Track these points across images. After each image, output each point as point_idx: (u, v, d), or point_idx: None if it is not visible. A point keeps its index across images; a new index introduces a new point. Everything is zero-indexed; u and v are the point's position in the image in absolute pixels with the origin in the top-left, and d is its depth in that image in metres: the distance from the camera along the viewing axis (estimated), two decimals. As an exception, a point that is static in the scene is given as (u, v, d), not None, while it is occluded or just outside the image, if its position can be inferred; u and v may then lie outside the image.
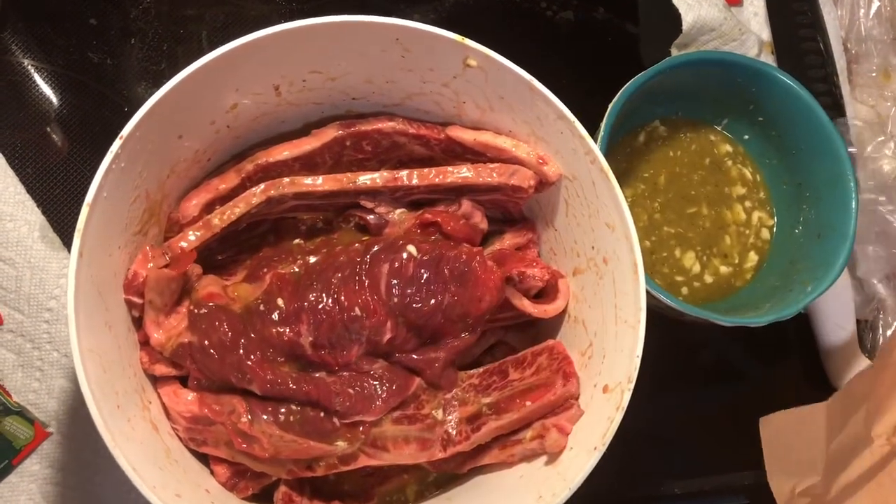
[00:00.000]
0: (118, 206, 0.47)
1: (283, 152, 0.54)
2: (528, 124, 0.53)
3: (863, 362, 0.67)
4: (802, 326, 0.69)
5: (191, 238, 0.52)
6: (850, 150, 0.68)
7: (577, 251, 0.55)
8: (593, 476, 0.47)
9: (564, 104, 0.50)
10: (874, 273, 0.68)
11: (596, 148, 0.50)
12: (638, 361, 0.48)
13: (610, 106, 0.58)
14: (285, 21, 0.46)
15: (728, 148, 0.68)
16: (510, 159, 0.54)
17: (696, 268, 0.65)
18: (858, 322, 0.69)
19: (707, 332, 0.61)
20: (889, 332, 0.69)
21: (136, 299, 0.49)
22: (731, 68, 0.62)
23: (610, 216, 0.51)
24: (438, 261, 0.53)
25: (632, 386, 0.48)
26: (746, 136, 0.68)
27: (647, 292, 0.51)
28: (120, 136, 0.45)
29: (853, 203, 0.59)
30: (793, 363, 0.70)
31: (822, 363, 0.69)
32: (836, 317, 0.68)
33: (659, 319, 0.57)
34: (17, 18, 0.62)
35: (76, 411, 0.57)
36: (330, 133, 0.54)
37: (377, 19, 0.49)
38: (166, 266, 0.50)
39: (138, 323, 0.51)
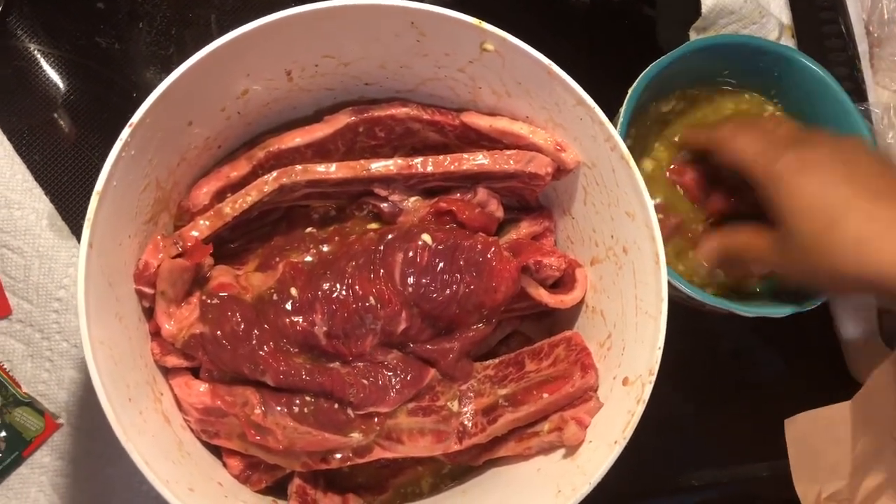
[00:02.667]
0: (128, 194, 0.46)
1: (295, 139, 0.53)
2: (545, 110, 0.52)
3: (883, 353, 0.66)
4: (824, 317, 0.68)
5: (202, 227, 0.51)
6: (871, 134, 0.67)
7: (595, 240, 0.54)
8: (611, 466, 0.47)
9: (582, 88, 0.49)
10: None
11: (616, 134, 0.49)
12: (659, 354, 0.47)
13: (629, 92, 0.57)
14: (297, 4, 0.44)
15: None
16: (527, 146, 0.53)
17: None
18: (878, 312, 0.68)
19: (727, 322, 0.60)
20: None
21: (147, 290, 0.48)
22: (752, 52, 0.60)
23: (630, 204, 0.49)
24: (454, 250, 0.52)
25: (653, 379, 0.47)
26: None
27: (668, 282, 0.50)
28: (129, 123, 0.44)
29: (877, 190, 0.58)
30: (813, 354, 0.69)
31: (842, 353, 0.68)
32: (856, 307, 0.66)
33: (678, 309, 0.56)
34: (23, 2, 0.61)
35: (86, 402, 0.56)
36: (342, 119, 0.53)
37: (392, 2, 0.47)
38: (178, 256, 0.49)
39: (149, 313, 0.50)
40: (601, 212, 0.52)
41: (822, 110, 0.62)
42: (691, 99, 0.65)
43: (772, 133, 0.57)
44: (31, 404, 0.56)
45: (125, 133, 0.44)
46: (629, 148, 0.49)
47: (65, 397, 0.57)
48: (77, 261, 0.43)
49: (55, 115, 0.60)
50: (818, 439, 0.58)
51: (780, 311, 0.57)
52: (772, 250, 0.55)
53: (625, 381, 0.49)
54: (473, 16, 0.48)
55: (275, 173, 0.52)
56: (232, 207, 0.51)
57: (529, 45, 0.49)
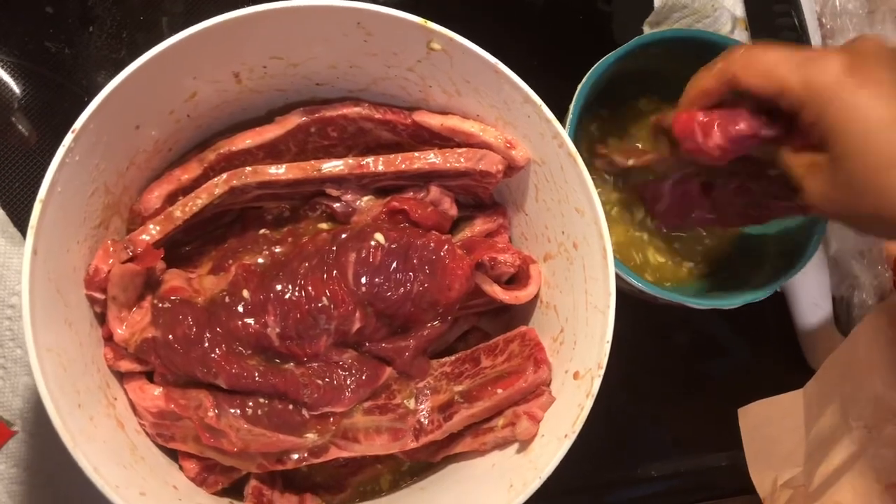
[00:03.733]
0: (74, 200, 0.46)
1: (246, 140, 0.53)
2: (495, 108, 0.52)
3: (839, 341, 0.67)
4: (778, 305, 0.68)
5: (152, 231, 0.51)
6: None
7: (547, 236, 0.54)
8: (567, 459, 0.47)
9: (536, 86, 0.49)
10: (846, 250, 0.68)
11: (563, 132, 0.49)
12: (608, 347, 0.47)
13: (578, 88, 0.58)
14: (248, 6, 0.44)
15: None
16: (478, 144, 0.53)
17: (661, 254, 0.65)
18: (834, 300, 0.68)
19: (681, 312, 0.60)
20: (866, 308, 0.69)
21: (97, 295, 0.48)
22: (703, 46, 0.61)
23: (579, 201, 0.50)
24: (407, 249, 0.52)
25: (601, 372, 0.47)
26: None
27: (619, 276, 0.51)
28: (72, 129, 0.44)
29: (826, 181, 0.59)
30: (769, 342, 0.70)
31: (797, 342, 0.68)
32: (811, 295, 0.67)
33: (632, 302, 0.56)
34: (-30, 7, 0.61)
35: (42, 409, 0.54)
36: (294, 120, 0.53)
37: (337, 3, 0.47)
38: (129, 260, 0.49)
39: (101, 318, 0.50)
40: (552, 208, 0.53)
41: (771, 103, 0.62)
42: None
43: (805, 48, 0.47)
44: (-14, 412, 0.56)
45: (68, 139, 0.44)
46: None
47: (20, 404, 0.56)
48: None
49: (5, 122, 0.60)
50: (772, 427, 0.59)
51: (732, 301, 0.58)
52: (812, 175, 0.46)
53: (575, 375, 0.49)
54: (427, 12, 0.48)
55: (225, 175, 0.52)
56: (182, 211, 0.51)
57: (483, 41, 0.49)
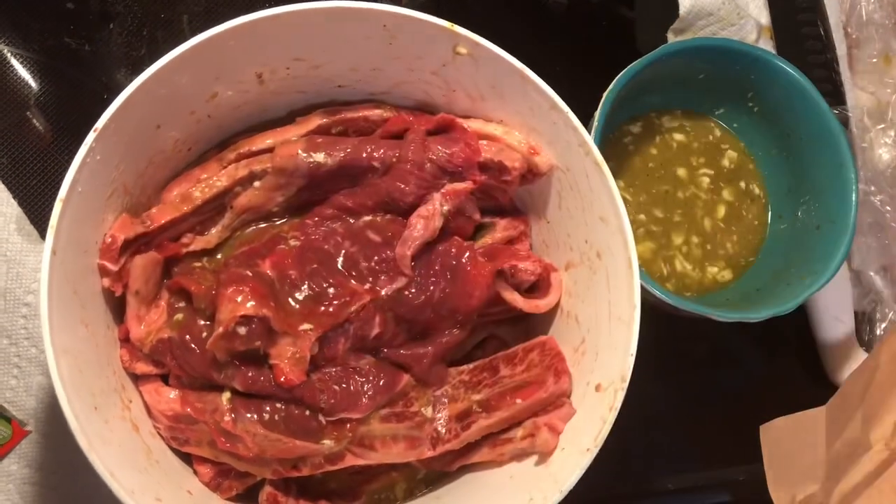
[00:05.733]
0: (94, 200, 0.46)
1: (267, 140, 0.53)
2: (519, 114, 0.51)
3: (861, 356, 0.66)
4: (800, 319, 0.68)
5: (170, 208, 0.50)
6: (848, 138, 0.67)
7: (570, 245, 0.53)
8: (584, 471, 0.46)
9: (558, 92, 0.49)
10: (869, 265, 0.67)
11: (590, 139, 0.48)
12: (632, 361, 0.47)
13: (604, 96, 0.57)
14: (269, 5, 0.44)
15: (725, 138, 0.67)
16: (502, 148, 0.53)
17: (689, 261, 0.64)
18: (856, 315, 0.68)
19: (703, 324, 0.59)
20: (884, 325, 0.68)
21: (110, 265, 0.47)
22: (729, 55, 0.60)
23: (604, 210, 0.49)
24: (429, 254, 0.51)
25: (625, 386, 0.46)
26: (744, 126, 0.67)
27: (642, 287, 0.50)
28: (94, 128, 0.43)
29: (853, 195, 0.58)
30: (790, 356, 0.69)
31: (819, 356, 0.68)
32: (833, 309, 0.66)
33: (654, 312, 0.56)
34: (-10, 3, 0.60)
35: (55, 409, 0.55)
36: (314, 121, 0.53)
37: (363, 5, 0.47)
38: (143, 236, 0.49)
39: (118, 319, 0.50)
40: (575, 216, 0.52)
41: (797, 113, 0.61)
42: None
43: None
44: (-1, 411, 0.55)
45: (90, 138, 0.43)
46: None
47: (33, 404, 0.56)
48: (45, 266, 0.43)
49: (23, 118, 0.59)
50: (793, 444, 0.58)
51: (757, 315, 0.57)
52: None
53: (598, 388, 0.49)
54: (448, 17, 0.48)
55: (245, 161, 0.52)
56: (202, 192, 0.51)
57: (505, 47, 0.49)
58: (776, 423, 0.58)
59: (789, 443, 0.57)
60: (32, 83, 0.60)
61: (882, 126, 0.72)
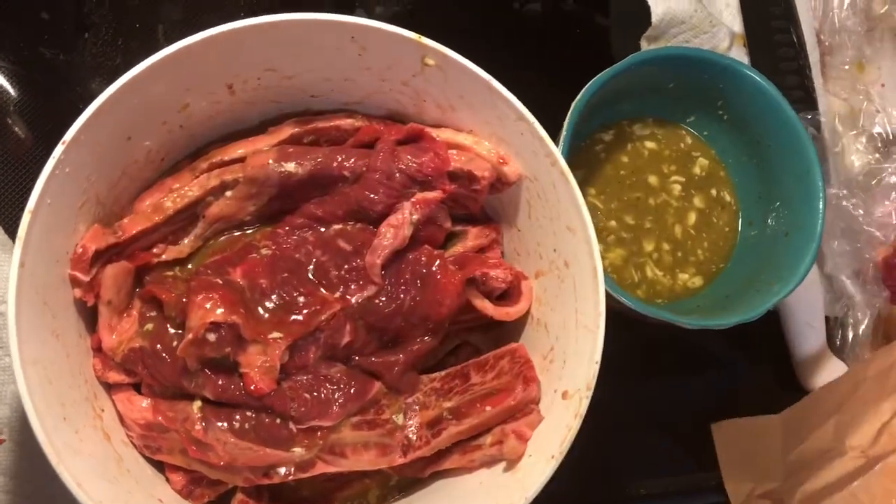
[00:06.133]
0: (64, 211, 0.46)
1: (238, 150, 0.53)
2: (488, 124, 0.52)
3: (832, 361, 0.67)
4: (772, 324, 0.68)
5: (141, 219, 0.50)
6: (820, 143, 0.67)
7: (539, 253, 0.54)
8: (557, 478, 0.47)
9: (532, 98, 0.49)
10: (841, 269, 0.67)
11: (556, 150, 0.49)
12: (597, 368, 0.47)
13: (573, 105, 0.57)
14: (244, 16, 0.44)
15: (696, 145, 0.67)
16: (471, 157, 0.53)
17: (660, 268, 0.65)
18: (827, 320, 0.68)
19: (674, 330, 0.60)
20: (861, 329, 0.69)
21: (81, 276, 0.48)
22: (698, 64, 0.61)
23: (571, 220, 0.50)
24: (399, 262, 0.52)
25: (590, 393, 0.47)
26: (715, 133, 0.67)
27: (608, 293, 0.51)
28: (62, 141, 0.44)
29: (820, 203, 0.59)
30: (761, 361, 0.69)
31: (788, 361, 0.68)
32: (805, 315, 0.67)
33: (623, 318, 0.56)
34: (-35, 12, 0.61)
35: (29, 418, 0.56)
36: (286, 130, 0.53)
37: (331, 17, 0.47)
38: (114, 246, 0.49)
39: (91, 328, 0.50)
40: (544, 226, 0.53)
41: (766, 121, 0.62)
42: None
43: None
44: (-27, 420, 0.55)
45: (58, 150, 0.44)
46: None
47: (7, 413, 0.56)
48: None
49: (-1, 127, 0.60)
50: (747, 444, 0.60)
51: (724, 322, 0.57)
52: None
53: (564, 395, 0.49)
54: (421, 24, 0.48)
55: (217, 171, 0.52)
56: (173, 202, 0.51)
57: (479, 54, 0.49)
58: (727, 424, 0.60)
59: (743, 443, 0.59)
60: (8, 93, 0.60)
61: (854, 132, 0.73)
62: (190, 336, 0.47)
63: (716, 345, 0.69)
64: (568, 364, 0.50)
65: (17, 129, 0.60)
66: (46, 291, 0.45)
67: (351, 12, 0.64)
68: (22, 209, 0.57)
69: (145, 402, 0.50)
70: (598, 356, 0.47)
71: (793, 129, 0.60)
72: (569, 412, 0.48)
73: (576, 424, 0.47)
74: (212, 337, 0.48)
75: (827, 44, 0.75)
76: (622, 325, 0.53)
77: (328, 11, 0.48)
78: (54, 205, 0.45)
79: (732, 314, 0.58)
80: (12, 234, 0.58)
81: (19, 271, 0.42)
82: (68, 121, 0.44)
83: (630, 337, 0.56)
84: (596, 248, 0.48)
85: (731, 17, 0.72)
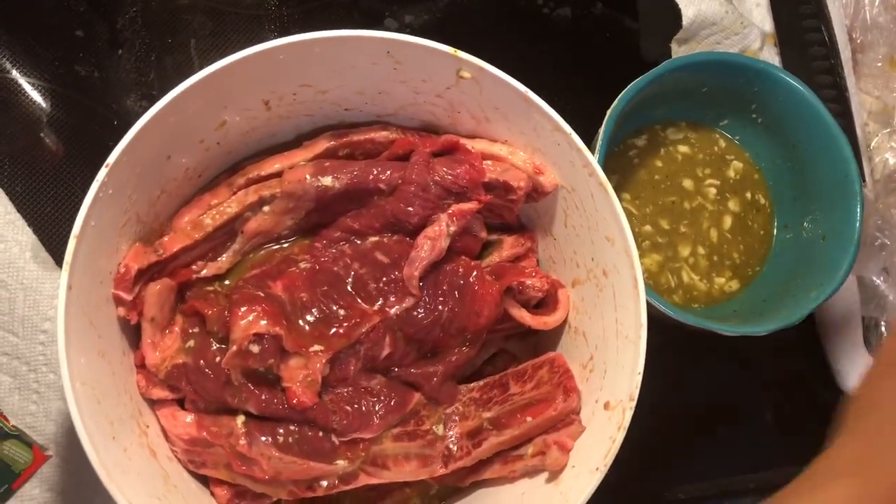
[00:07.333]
0: (108, 232, 0.47)
1: (275, 165, 0.53)
2: (524, 135, 0.52)
3: (868, 361, 0.66)
4: (808, 325, 0.68)
5: (181, 236, 0.51)
6: (852, 141, 0.67)
7: (576, 262, 0.54)
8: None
9: (562, 105, 0.49)
10: (873, 270, 0.67)
11: (594, 160, 0.49)
12: (639, 379, 0.47)
13: (608, 114, 0.57)
14: (274, 28, 0.44)
15: (730, 149, 0.67)
16: (507, 168, 0.53)
17: (696, 272, 0.64)
18: (862, 320, 0.68)
19: (711, 332, 0.60)
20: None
21: (124, 295, 0.48)
22: (731, 68, 0.60)
23: (609, 229, 0.50)
24: (437, 274, 0.52)
25: (633, 405, 0.47)
26: (749, 136, 0.67)
27: (647, 302, 0.50)
28: (105, 164, 0.44)
29: (858, 207, 0.58)
30: (798, 362, 0.69)
31: (826, 366, 0.68)
32: (841, 315, 0.66)
33: (661, 323, 0.56)
34: (0, 31, 0.61)
35: (74, 434, 0.56)
36: (322, 144, 0.54)
37: (367, 33, 0.47)
38: (156, 265, 0.50)
39: (133, 345, 0.51)
40: (581, 235, 0.53)
41: (801, 124, 0.61)
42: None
43: None
44: (20, 437, 0.56)
45: (101, 174, 0.44)
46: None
47: (53, 429, 0.57)
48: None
49: (36, 145, 0.60)
50: None
51: (763, 328, 0.57)
52: None
53: (606, 406, 0.49)
54: (451, 32, 0.49)
55: (254, 186, 0.52)
56: (213, 218, 0.52)
57: (509, 61, 0.49)
58: None
59: None
60: (44, 111, 0.61)
61: (888, 130, 0.72)
62: (234, 348, 0.48)
63: (752, 346, 0.68)
64: (609, 374, 0.50)
65: (53, 147, 0.60)
66: (92, 312, 0.46)
67: (380, 23, 0.64)
68: (62, 226, 0.59)
69: (189, 418, 0.51)
70: (640, 367, 0.47)
71: (829, 133, 0.59)
72: (612, 423, 0.48)
73: (619, 436, 0.47)
74: (255, 348, 0.48)
75: (858, 41, 0.74)
76: (660, 328, 0.53)
77: (357, 22, 0.48)
78: (98, 226, 0.45)
79: (770, 320, 0.58)
80: (52, 251, 0.58)
81: (67, 294, 0.43)
82: (104, 137, 0.44)
83: (667, 339, 0.56)
84: (636, 259, 0.48)
85: (761, 17, 0.72)
